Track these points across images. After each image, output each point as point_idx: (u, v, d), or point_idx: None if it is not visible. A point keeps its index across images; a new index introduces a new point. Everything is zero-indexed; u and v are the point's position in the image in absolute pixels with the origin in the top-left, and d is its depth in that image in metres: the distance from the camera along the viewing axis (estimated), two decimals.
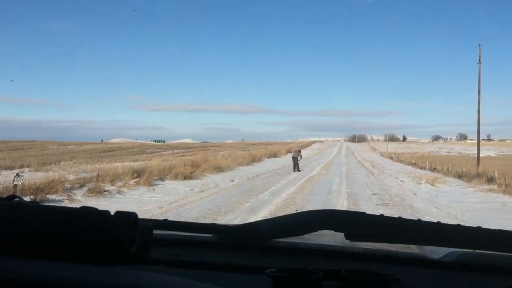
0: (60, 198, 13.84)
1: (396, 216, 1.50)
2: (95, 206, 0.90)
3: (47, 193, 13.83)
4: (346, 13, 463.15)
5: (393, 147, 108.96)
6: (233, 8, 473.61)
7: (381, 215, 1.44)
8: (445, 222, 1.42)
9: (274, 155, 51.34)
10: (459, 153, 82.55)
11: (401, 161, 48.93)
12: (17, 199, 0.98)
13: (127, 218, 0.88)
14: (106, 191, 15.81)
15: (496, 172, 22.98)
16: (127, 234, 0.86)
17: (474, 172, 25.37)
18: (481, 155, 32.42)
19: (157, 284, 0.75)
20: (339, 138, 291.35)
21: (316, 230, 1.50)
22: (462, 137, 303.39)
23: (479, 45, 30.23)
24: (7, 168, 25.43)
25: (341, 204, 14.03)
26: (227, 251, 1.51)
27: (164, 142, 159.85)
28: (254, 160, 39.24)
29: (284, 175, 25.39)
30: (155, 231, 0.94)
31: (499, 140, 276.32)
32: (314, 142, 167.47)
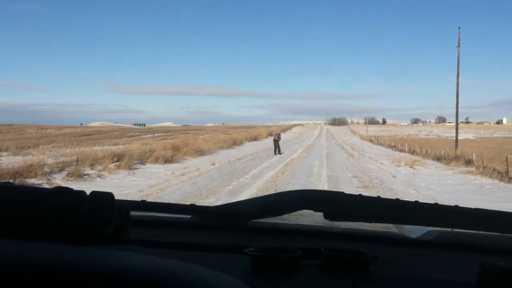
0: (39, 182, 13.69)
1: None
2: None
3: (25, 177, 13.69)
4: None
5: (373, 130, 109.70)
6: None
7: (360, 195, 1.45)
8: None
9: (255, 138, 51.39)
10: (438, 135, 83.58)
11: (381, 144, 49.35)
12: None
13: (103, 198, 0.87)
14: (86, 175, 15.67)
15: (474, 154, 23.33)
16: (103, 213, 0.85)
17: (452, 155, 25.72)
18: (459, 137, 32.87)
19: (129, 263, 0.74)
20: (319, 122, 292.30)
21: (295, 210, 1.50)
22: (441, 120, 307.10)
23: (459, 28, 30.45)
24: None
25: (322, 186, 14.09)
26: (206, 231, 1.50)
27: (145, 125, 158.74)
28: (235, 143, 39.24)
29: (265, 158, 25.42)
30: (134, 213, 0.93)
31: (477, 123, 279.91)
32: (295, 125, 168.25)
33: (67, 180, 14.57)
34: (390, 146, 43.31)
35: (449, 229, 1.51)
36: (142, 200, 1.61)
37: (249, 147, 37.42)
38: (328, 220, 1.41)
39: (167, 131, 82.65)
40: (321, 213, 1.39)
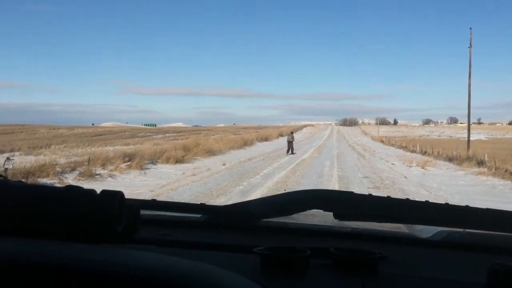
0: (51, 181, 13.78)
1: None
2: None
3: (38, 177, 13.78)
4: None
5: (384, 130, 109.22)
6: None
7: (370, 195, 1.45)
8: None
9: (266, 139, 51.32)
10: (450, 136, 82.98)
11: (392, 145, 49.07)
12: (2, 177, 0.97)
13: (113, 197, 0.87)
14: (97, 174, 15.77)
15: (486, 155, 23.12)
16: (113, 212, 0.86)
17: (464, 155, 25.52)
18: (471, 138, 32.62)
19: (139, 262, 0.75)
20: (330, 122, 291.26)
21: (305, 210, 1.50)
22: (453, 120, 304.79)
23: (470, 28, 30.34)
24: None
25: (332, 187, 14.06)
26: (216, 231, 1.51)
27: (156, 126, 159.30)
28: (245, 144, 39.21)
29: (275, 158, 25.41)
30: (144, 212, 0.93)
31: (489, 124, 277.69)
32: (305, 126, 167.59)
33: (79, 179, 14.66)
34: (401, 147, 43.05)
35: (460, 229, 1.50)
36: (152, 199, 1.62)
37: (259, 148, 37.40)
38: (338, 220, 1.41)
39: (178, 131, 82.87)
40: (331, 213, 1.39)
